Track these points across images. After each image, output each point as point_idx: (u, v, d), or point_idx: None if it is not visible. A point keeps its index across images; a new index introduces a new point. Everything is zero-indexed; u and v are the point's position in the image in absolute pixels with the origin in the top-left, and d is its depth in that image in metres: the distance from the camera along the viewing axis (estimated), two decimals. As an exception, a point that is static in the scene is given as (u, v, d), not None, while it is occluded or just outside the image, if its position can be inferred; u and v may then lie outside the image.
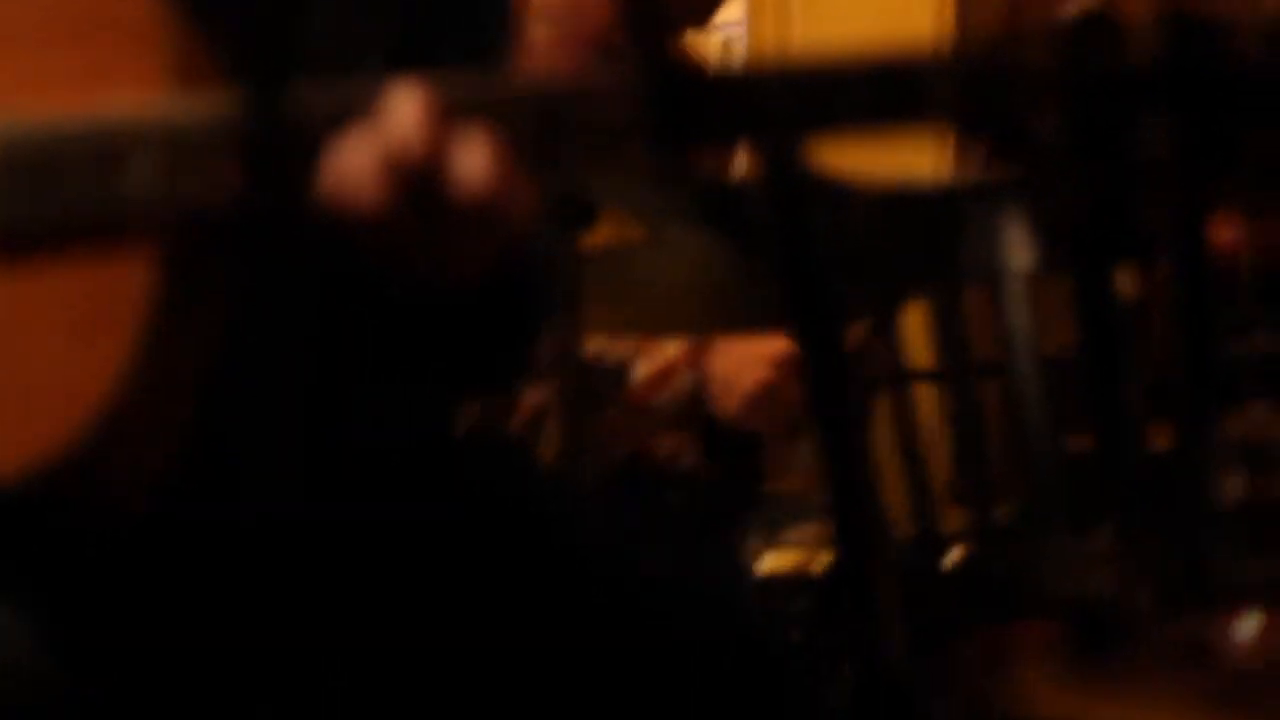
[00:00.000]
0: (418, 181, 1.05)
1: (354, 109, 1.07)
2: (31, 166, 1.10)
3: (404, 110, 1.04)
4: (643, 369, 2.69)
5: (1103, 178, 1.05)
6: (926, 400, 2.78)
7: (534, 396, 2.54)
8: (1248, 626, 1.56)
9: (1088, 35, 1.03)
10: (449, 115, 1.05)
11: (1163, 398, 2.26)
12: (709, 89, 1.08)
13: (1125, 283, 2.46)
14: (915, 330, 2.71)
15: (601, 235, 2.20)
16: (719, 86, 1.08)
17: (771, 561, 2.84)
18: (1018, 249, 2.31)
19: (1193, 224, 1.91)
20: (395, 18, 1.30)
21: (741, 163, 2.87)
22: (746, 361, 2.67)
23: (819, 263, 2.05)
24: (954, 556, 2.59)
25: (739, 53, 4.30)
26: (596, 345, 2.57)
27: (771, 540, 2.89)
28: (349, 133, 1.05)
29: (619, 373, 2.68)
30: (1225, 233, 2.67)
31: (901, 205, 2.21)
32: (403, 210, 1.05)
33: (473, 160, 1.05)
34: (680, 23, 2.89)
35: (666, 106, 1.07)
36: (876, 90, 1.05)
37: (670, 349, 2.68)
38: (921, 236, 2.24)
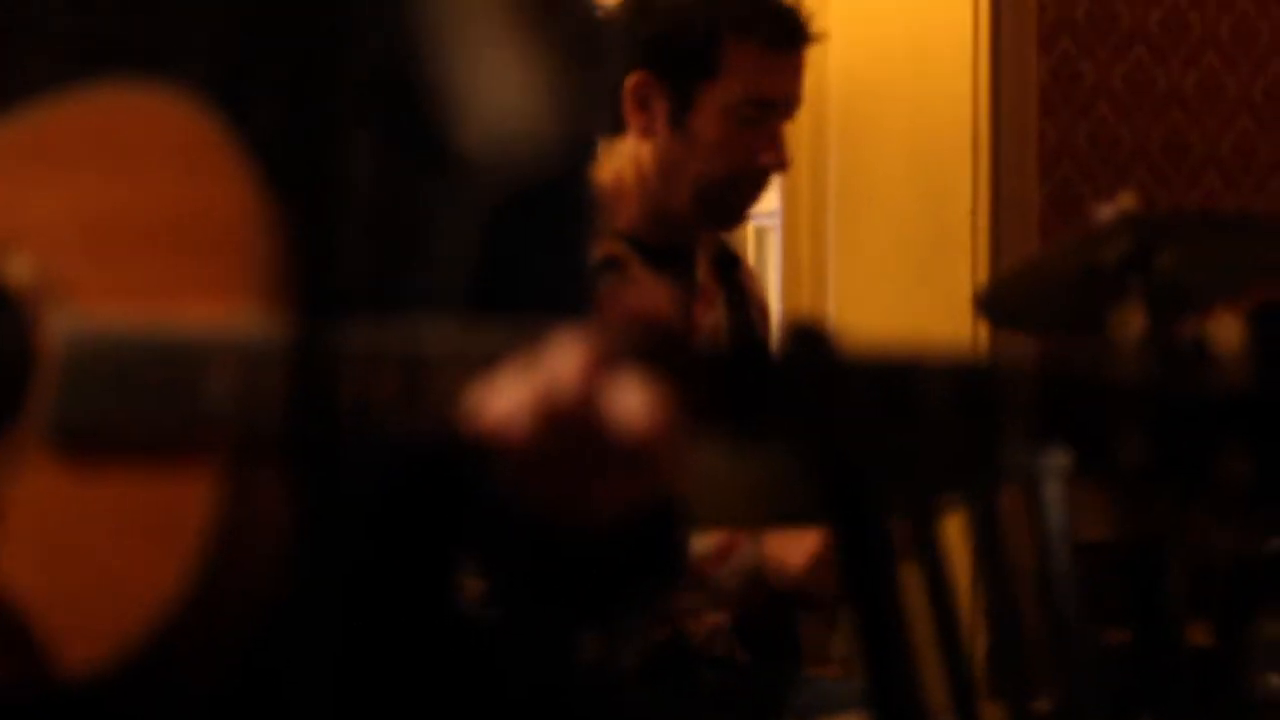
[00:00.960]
0: (572, 424, 1.05)
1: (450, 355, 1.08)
2: (112, 372, 1.11)
3: (565, 354, 1.05)
4: (703, 542, 2.70)
5: (1181, 497, 1.04)
6: (963, 592, 2.78)
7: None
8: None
9: (1176, 355, 1.02)
10: (609, 362, 1.05)
11: (1203, 594, 2.27)
12: (786, 370, 1.06)
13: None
14: (953, 526, 2.72)
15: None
16: (797, 369, 1.06)
17: (809, 749, 2.84)
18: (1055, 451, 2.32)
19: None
20: (478, 232, 1.32)
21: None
22: (800, 539, 2.69)
23: (860, 461, 2.07)
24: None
25: (772, 243, 4.34)
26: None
27: (808, 728, 2.89)
28: (507, 370, 1.06)
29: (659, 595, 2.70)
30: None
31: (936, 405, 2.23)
32: (554, 450, 1.06)
33: (628, 410, 1.05)
34: (705, 226, 2.93)
35: (750, 388, 1.06)
36: (957, 391, 1.04)
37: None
38: (963, 436, 2.25)
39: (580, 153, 1.41)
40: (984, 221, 4.02)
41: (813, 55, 2.90)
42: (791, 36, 2.83)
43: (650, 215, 2.84)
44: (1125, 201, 2.91)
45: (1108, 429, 1.01)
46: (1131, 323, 1.05)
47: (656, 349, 1.07)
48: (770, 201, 4.18)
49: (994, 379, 1.04)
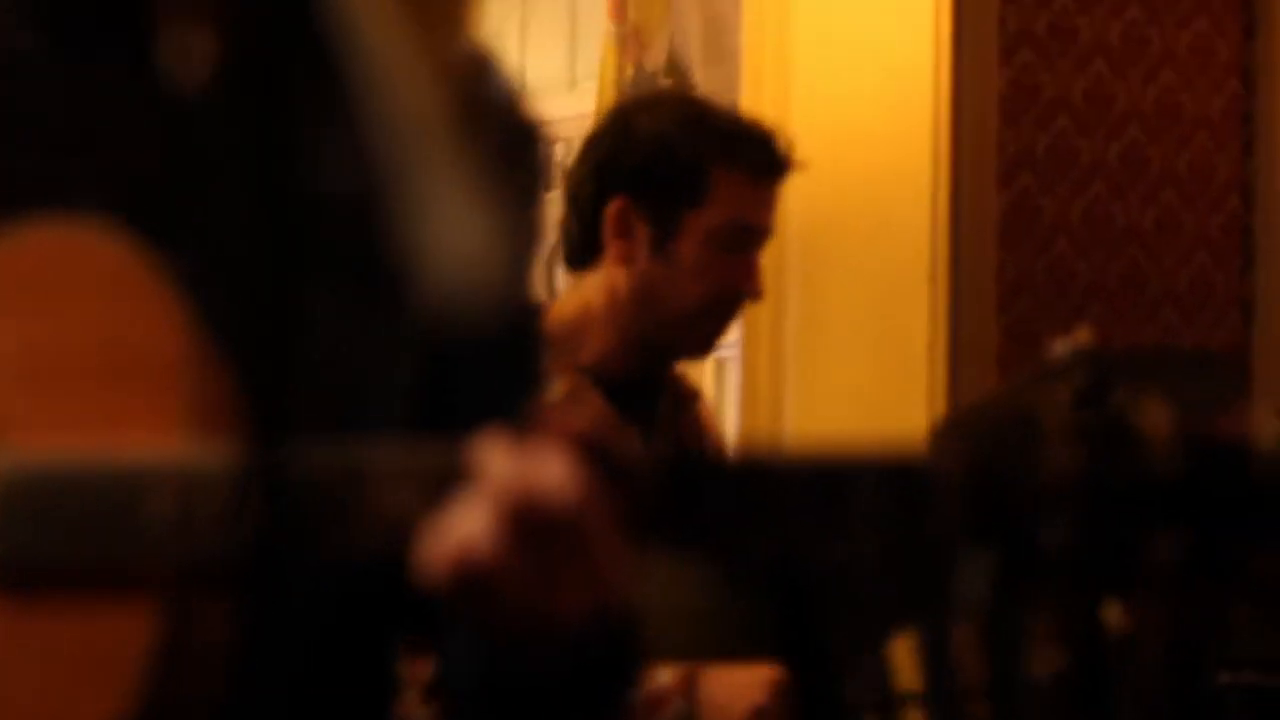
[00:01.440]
0: (538, 528, 1.06)
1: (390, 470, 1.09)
2: (48, 506, 1.11)
3: (511, 463, 1.07)
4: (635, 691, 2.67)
5: (1107, 584, 1.04)
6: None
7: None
8: None
9: (1107, 445, 1.02)
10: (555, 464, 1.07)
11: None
12: (724, 482, 1.09)
13: (1113, 614, 2.48)
14: (903, 653, 2.71)
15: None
16: (730, 475, 1.09)
17: None
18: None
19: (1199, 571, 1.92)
20: (415, 363, 1.32)
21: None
22: (739, 686, 2.66)
23: (810, 595, 2.07)
24: None
25: (731, 374, 4.35)
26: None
27: None
28: (457, 497, 1.07)
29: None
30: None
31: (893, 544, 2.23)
32: (522, 559, 1.07)
33: (587, 506, 1.07)
34: (679, 355, 2.94)
35: (679, 495, 1.08)
36: (885, 495, 1.05)
37: (663, 675, 2.67)
38: (913, 573, 2.25)
39: (524, 277, 1.41)
40: (941, 355, 4.03)
41: (773, 185, 2.92)
42: (776, 165, 2.84)
43: (620, 347, 2.83)
44: (1081, 337, 2.93)
45: (1037, 518, 1.02)
46: (1061, 409, 1.04)
47: (595, 453, 1.08)
48: (729, 332, 4.20)
49: (925, 473, 1.05)
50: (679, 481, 1.08)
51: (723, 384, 5.07)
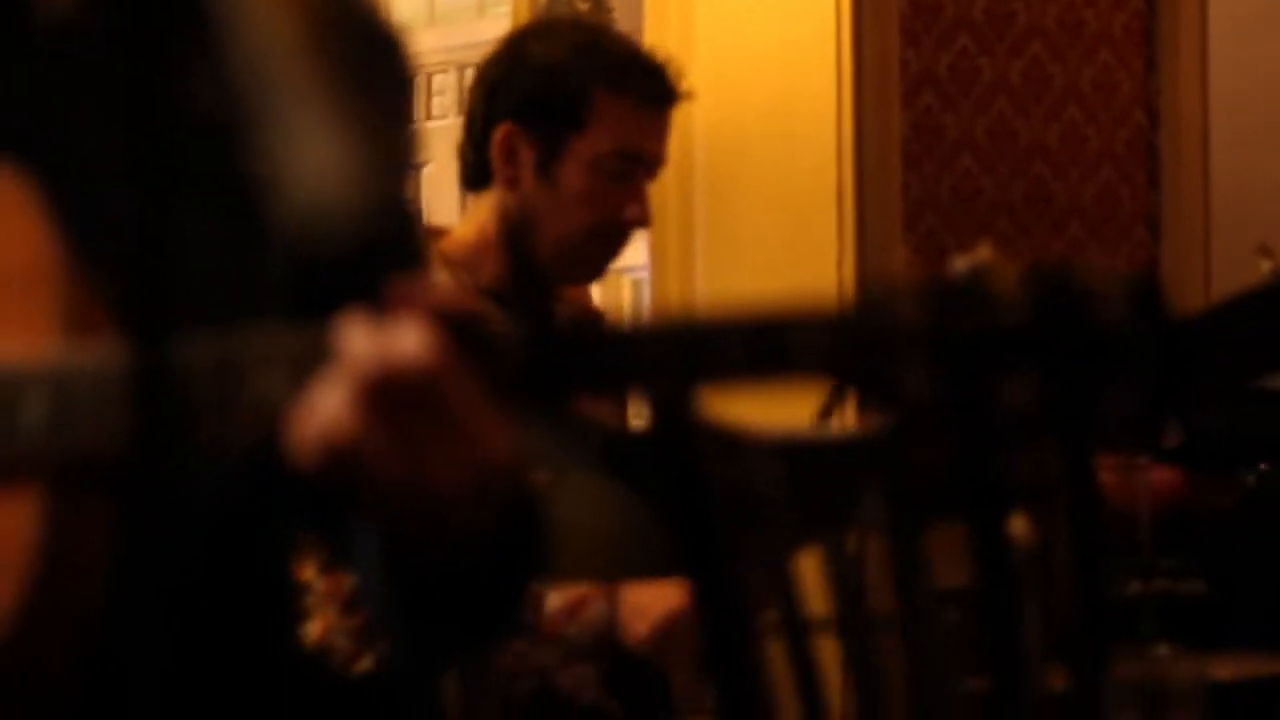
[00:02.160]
0: (386, 395, 1.08)
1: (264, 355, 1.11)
2: None
3: (361, 337, 1.09)
4: (555, 599, 2.69)
5: (973, 431, 1.08)
6: (826, 648, 2.79)
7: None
8: None
9: (958, 295, 1.07)
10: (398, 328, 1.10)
11: (1058, 638, 2.28)
12: (586, 342, 1.11)
13: (1020, 528, 2.50)
14: (813, 578, 2.73)
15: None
16: (595, 339, 1.11)
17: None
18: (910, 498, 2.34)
19: (1079, 471, 1.94)
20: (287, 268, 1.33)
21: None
22: (660, 591, 2.68)
23: (712, 511, 2.08)
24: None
25: (644, 296, 4.36)
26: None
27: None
28: (315, 381, 1.09)
29: (531, 602, 2.69)
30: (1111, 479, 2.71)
31: (795, 453, 2.24)
32: (380, 432, 1.09)
33: (422, 360, 1.09)
34: (566, 279, 2.94)
35: (545, 357, 1.10)
36: (750, 344, 1.08)
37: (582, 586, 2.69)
38: (815, 484, 2.26)
39: (391, 177, 1.41)
40: (849, 274, 4.05)
41: (679, 110, 2.92)
42: (661, 94, 2.85)
43: (507, 268, 2.84)
44: (982, 253, 2.94)
45: (893, 366, 1.05)
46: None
47: (452, 322, 1.10)
48: (640, 255, 4.20)
49: (788, 328, 1.08)
50: (544, 346, 1.10)
51: (637, 306, 5.08)
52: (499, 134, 2.82)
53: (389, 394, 1.08)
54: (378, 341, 1.09)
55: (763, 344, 1.08)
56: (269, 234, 1.29)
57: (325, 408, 1.09)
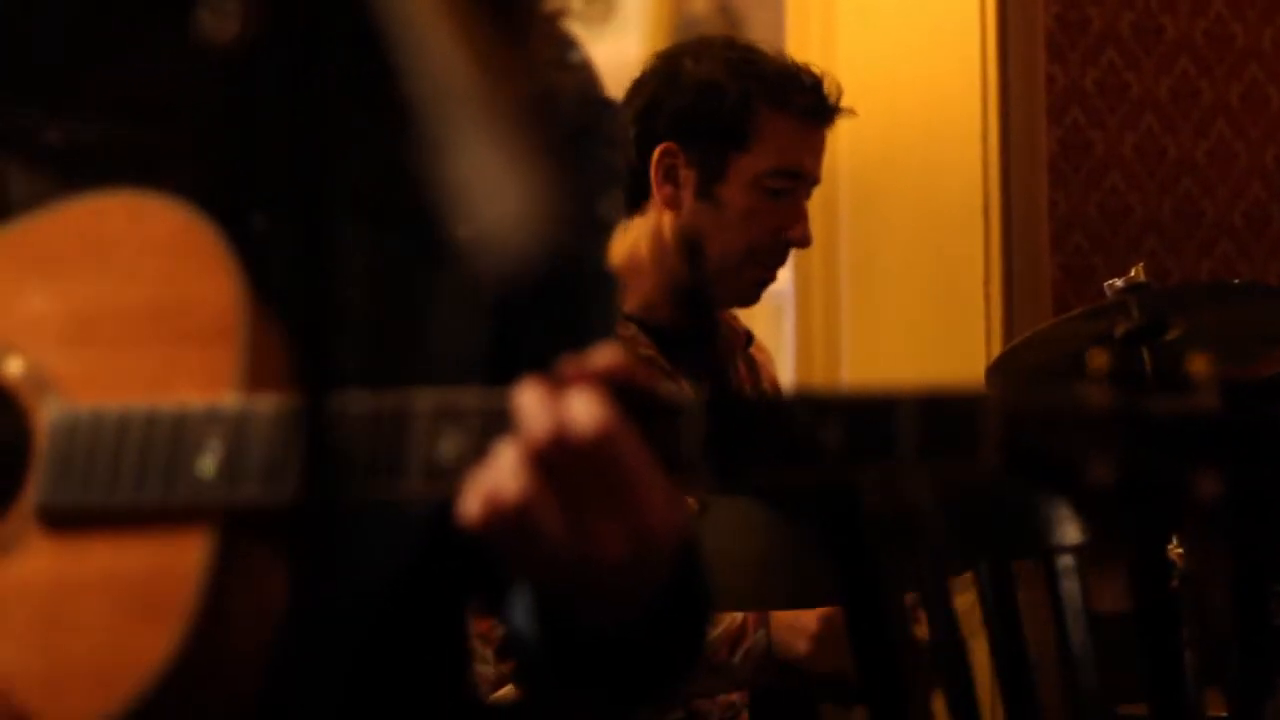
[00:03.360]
0: (555, 463, 1.09)
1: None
2: (100, 455, 1.15)
3: (535, 401, 1.10)
4: (714, 629, 2.68)
5: (1153, 519, 1.05)
6: (980, 666, 2.77)
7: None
8: None
9: (1141, 383, 1.04)
10: (573, 395, 1.10)
11: (1217, 665, 2.25)
12: (764, 414, 1.10)
13: (1179, 553, 2.47)
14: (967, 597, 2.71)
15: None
16: (776, 415, 1.10)
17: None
18: (1067, 524, 2.32)
19: (1242, 501, 1.91)
20: (489, 318, 1.35)
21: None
22: (809, 615, 2.67)
23: (868, 537, 2.06)
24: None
25: (786, 318, 4.34)
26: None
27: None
28: (490, 444, 1.11)
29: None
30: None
31: (952, 481, 2.22)
32: (544, 497, 1.10)
33: (596, 429, 1.10)
34: (722, 302, 2.92)
35: (725, 432, 1.09)
36: (927, 429, 1.06)
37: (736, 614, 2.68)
38: (973, 511, 2.25)
39: (590, 239, 1.44)
40: (996, 293, 4.01)
41: (823, 131, 2.90)
42: (822, 110, 2.83)
43: (667, 293, 2.83)
44: (1135, 274, 2.91)
45: (1076, 453, 1.03)
46: (1100, 357, 1.06)
47: (624, 389, 1.11)
48: (783, 277, 4.18)
49: (963, 409, 1.06)
50: (718, 417, 1.09)
51: (779, 329, 5.06)
52: (657, 153, 2.80)
53: (559, 462, 1.09)
54: (552, 408, 1.10)
55: (940, 428, 1.06)
56: (450, 280, 1.31)
57: (496, 471, 1.10)
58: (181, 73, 1.30)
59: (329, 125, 0.95)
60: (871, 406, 1.08)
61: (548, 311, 1.37)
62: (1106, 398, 1.04)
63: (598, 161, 1.44)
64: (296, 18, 0.96)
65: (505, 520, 1.11)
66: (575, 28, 1.41)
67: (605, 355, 1.12)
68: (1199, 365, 1.04)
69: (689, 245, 2.72)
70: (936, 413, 1.06)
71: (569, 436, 1.09)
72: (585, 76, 1.45)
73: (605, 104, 1.48)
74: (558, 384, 1.11)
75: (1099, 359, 1.05)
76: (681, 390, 1.12)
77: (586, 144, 1.43)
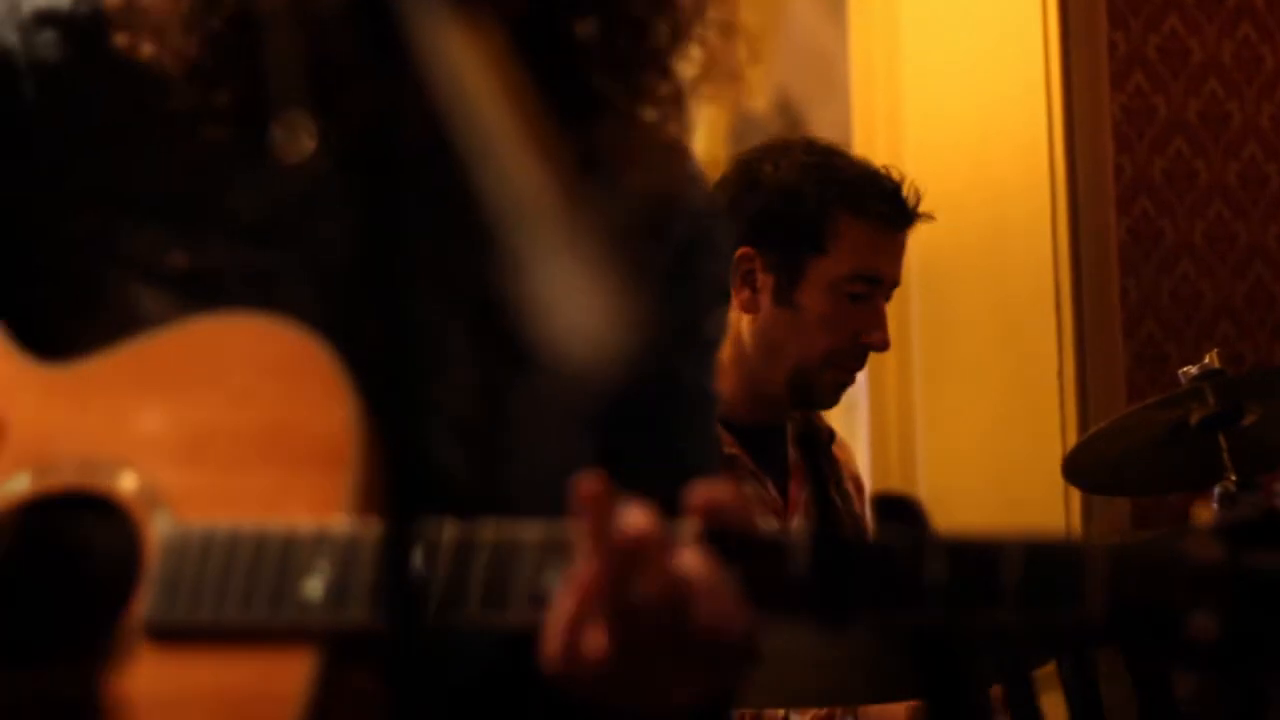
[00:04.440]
0: (643, 614, 1.08)
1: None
2: (210, 572, 1.17)
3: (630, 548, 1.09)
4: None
5: (1259, 675, 1.04)
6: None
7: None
8: None
9: (1253, 533, 1.03)
10: (672, 548, 1.09)
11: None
12: (872, 555, 1.09)
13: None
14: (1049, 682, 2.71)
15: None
16: (881, 555, 1.09)
17: None
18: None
19: None
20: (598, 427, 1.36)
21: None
22: (894, 709, 2.67)
23: (951, 630, 2.07)
24: None
25: (860, 415, 4.33)
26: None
27: None
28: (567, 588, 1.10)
29: None
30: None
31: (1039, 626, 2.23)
32: (628, 642, 1.09)
33: (699, 592, 1.08)
34: (803, 404, 2.93)
35: (831, 570, 1.09)
36: (1032, 575, 1.05)
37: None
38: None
39: (694, 356, 1.44)
40: (1070, 384, 4.01)
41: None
42: (901, 216, 2.83)
43: (747, 395, 2.84)
44: (1209, 360, 2.91)
45: (1180, 607, 1.02)
46: (1206, 511, 1.05)
47: (722, 536, 1.10)
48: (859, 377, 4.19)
49: (1070, 559, 1.05)
50: (820, 561, 1.09)
51: (853, 423, 5.07)
52: (736, 257, 2.80)
53: (642, 621, 1.09)
54: (640, 561, 1.08)
55: (1044, 575, 1.05)
56: (537, 367, 1.31)
57: (574, 622, 1.10)
58: (282, 193, 1.32)
59: (434, 239, 0.96)
60: (977, 550, 1.07)
61: (649, 427, 1.38)
62: (1212, 551, 1.02)
63: (706, 277, 1.45)
64: (371, 134, 0.99)
65: (581, 671, 1.11)
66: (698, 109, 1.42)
67: (706, 493, 1.11)
68: None
69: (793, 376, 2.73)
70: (1041, 560, 1.05)
71: (656, 599, 1.08)
72: (699, 189, 1.47)
73: (716, 217, 1.48)
74: (655, 524, 1.09)
75: (1204, 513, 1.04)
76: (786, 528, 1.10)
77: (696, 259, 1.43)
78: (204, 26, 1.29)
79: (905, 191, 2.84)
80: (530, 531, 1.13)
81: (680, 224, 1.42)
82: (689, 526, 1.10)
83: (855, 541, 1.11)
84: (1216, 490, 2.86)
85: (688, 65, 1.38)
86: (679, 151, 1.44)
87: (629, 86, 1.35)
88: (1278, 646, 1.01)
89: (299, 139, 1.28)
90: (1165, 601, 1.02)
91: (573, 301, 1.29)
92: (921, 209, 2.88)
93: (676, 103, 1.38)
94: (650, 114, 1.37)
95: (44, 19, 1.34)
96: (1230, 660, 1.02)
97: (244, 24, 1.29)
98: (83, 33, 1.33)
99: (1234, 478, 2.81)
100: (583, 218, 1.33)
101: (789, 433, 2.91)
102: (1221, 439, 2.89)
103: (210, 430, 1.22)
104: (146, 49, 1.30)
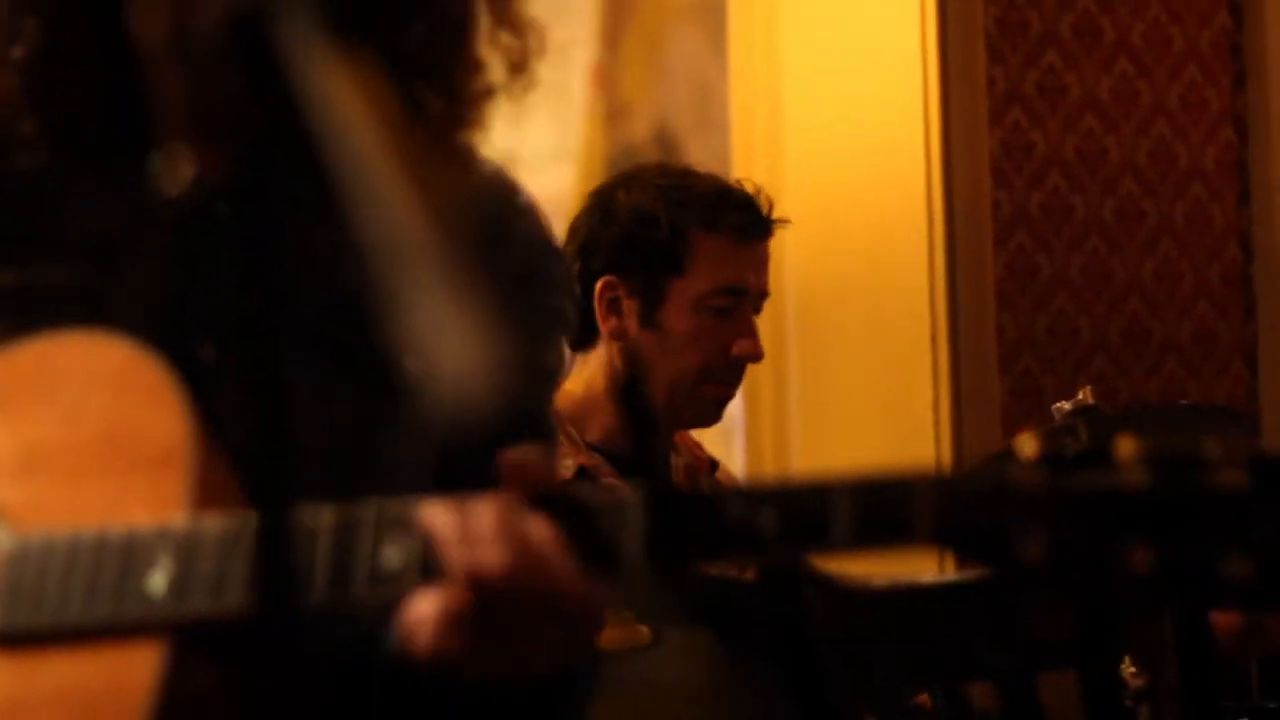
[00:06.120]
0: (497, 592, 1.11)
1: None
2: (52, 577, 1.19)
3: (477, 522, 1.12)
4: None
5: (1088, 594, 1.07)
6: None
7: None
8: None
9: (1076, 461, 1.06)
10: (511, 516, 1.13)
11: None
12: (704, 506, 1.12)
13: (1131, 674, 2.47)
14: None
15: (606, 637, 2.21)
16: (712, 505, 1.12)
17: None
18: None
19: (1190, 622, 1.92)
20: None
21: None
22: None
23: (821, 662, 2.06)
24: None
25: (737, 440, 4.34)
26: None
27: None
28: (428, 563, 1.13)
29: None
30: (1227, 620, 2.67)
31: (904, 601, 2.22)
32: (489, 634, 1.13)
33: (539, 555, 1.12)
34: (682, 423, 2.92)
35: (665, 524, 1.11)
36: (862, 512, 1.08)
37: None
38: (926, 632, 2.24)
39: (534, 387, 1.46)
40: (946, 415, 4.02)
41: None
42: (757, 226, 2.85)
43: (624, 422, 2.83)
44: (1083, 395, 2.92)
45: (1009, 531, 1.05)
46: (1029, 442, 1.08)
47: (554, 498, 1.14)
48: (733, 403, 4.19)
49: (895, 492, 1.08)
50: (657, 511, 1.12)
51: (729, 449, 5.07)
52: (599, 287, 2.82)
53: (495, 600, 1.12)
54: (467, 541, 1.12)
55: (874, 511, 1.08)
56: (400, 413, 1.34)
57: (432, 606, 1.14)
58: (136, 217, 1.33)
59: (277, 262, 0.97)
60: (806, 493, 1.11)
61: (490, 458, 1.39)
62: (1037, 476, 1.05)
63: (544, 308, 1.46)
64: (247, 166, 0.98)
65: (442, 654, 1.15)
66: (500, 107, 1.42)
67: (526, 460, 1.15)
68: (1125, 442, 1.05)
69: (627, 377, 2.73)
70: (870, 496, 1.09)
71: (506, 576, 1.11)
72: (531, 221, 1.48)
73: (551, 249, 1.50)
74: (471, 512, 1.13)
75: (1028, 444, 1.06)
76: (619, 489, 1.13)
77: (533, 290, 1.45)
78: (7, 59, 1.31)
79: (759, 200, 2.85)
80: (365, 511, 1.15)
81: (513, 254, 1.43)
82: (516, 485, 1.14)
83: (686, 492, 1.16)
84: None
85: (491, 65, 1.40)
86: (507, 183, 1.46)
87: (450, 94, 1.37)
88: (1103, 562, 1.04)
89: (178, 170, 1.31)
90: (995, 526, 1.05)
91: (438, 330, 1.28)
92: (786, 222, 2.91)
93: (484, 103, 1.40)
94: (467, 117, 1.39)
95: None
96: (1059, 579, 1.05)
97: (49, 54, 1.31)
98: None
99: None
100: (442, 247, 1.32)
101: (674, 462, 2.90)
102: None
103: (46, 445, 1.23)
104: None
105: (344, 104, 1.08)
